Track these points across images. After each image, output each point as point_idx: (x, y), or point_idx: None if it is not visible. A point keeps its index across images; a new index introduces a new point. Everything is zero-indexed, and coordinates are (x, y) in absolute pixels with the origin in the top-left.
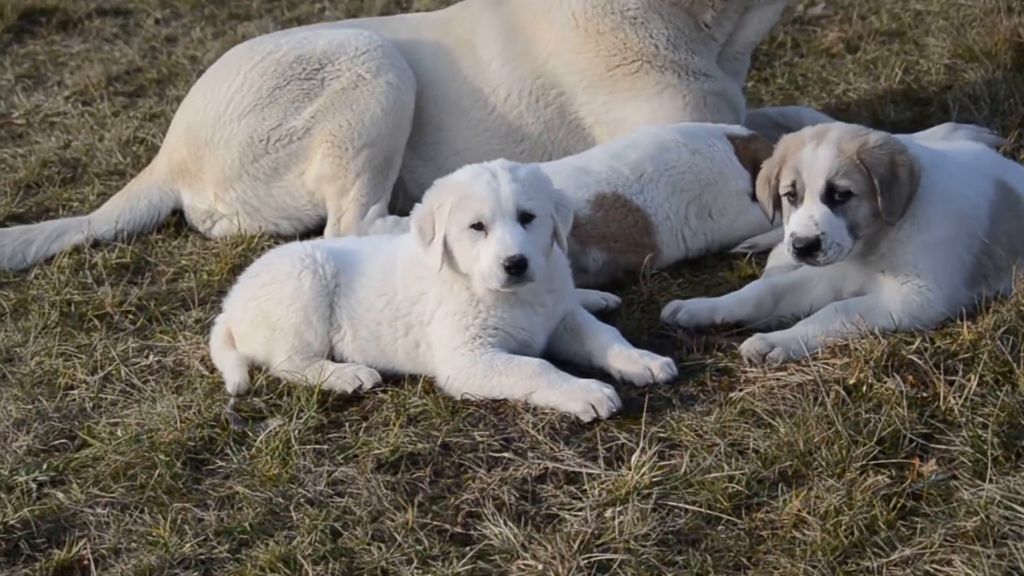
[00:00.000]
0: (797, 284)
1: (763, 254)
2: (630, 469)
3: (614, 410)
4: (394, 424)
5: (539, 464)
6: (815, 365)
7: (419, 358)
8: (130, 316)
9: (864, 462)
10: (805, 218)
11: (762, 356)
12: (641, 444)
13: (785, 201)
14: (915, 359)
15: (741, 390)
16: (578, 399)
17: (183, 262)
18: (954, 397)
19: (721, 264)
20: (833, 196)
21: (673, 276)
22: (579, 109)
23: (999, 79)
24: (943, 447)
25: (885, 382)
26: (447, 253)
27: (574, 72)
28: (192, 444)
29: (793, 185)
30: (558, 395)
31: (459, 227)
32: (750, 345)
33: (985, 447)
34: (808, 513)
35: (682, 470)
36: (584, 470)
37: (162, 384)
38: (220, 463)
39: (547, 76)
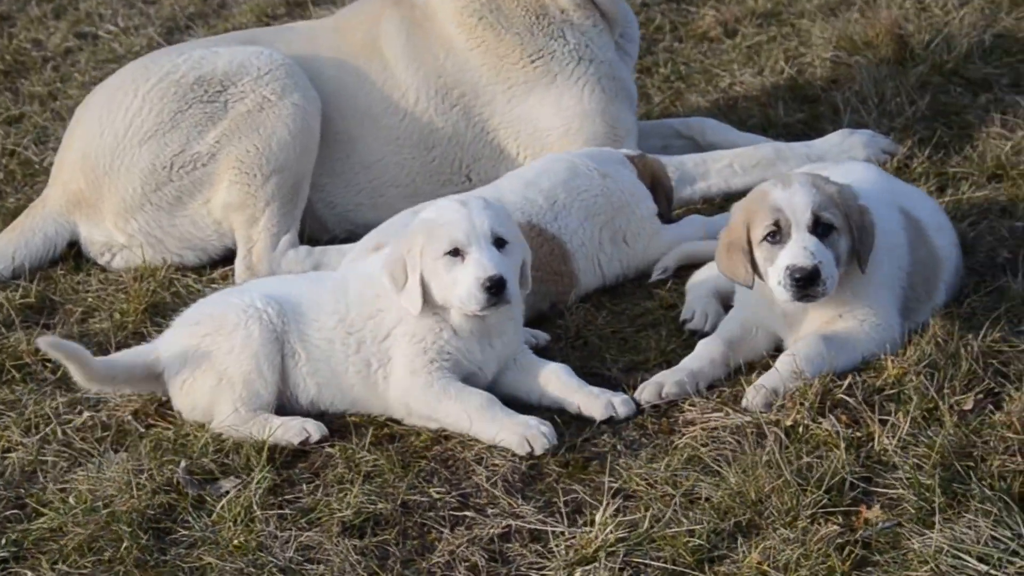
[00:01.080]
0: (744, 335)
1: (680, 279)
2: (591, 525)
3: (547, 447)
4: (350, 483)
5: (501, 522)
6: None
7: (369, 378)
8: (49, 365)
9: (814, 510)
10: (799, 249)
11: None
12: (604, 501)
13: (765, 246)
14: (846, 398)
15: (682, 434)
16: (515, 433)
17: (90, 300)
18: (888, 437)
19: (639, 291)
20: (818, 229)
21: (596, 308)
22: (482, 109)
23: (884, 75)
24: (884, 491)
25: (820, 423)
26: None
27: (470, 69)
28: (151, 512)
29: (776, 224)
30: (497, 429)
31: (434, 257)
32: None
33: (927, 493)
34: (768, 566)
35: (644, 526)
36: (548, 528)
37: (103, 444)
38: (183, 531)
39: (448, 75)
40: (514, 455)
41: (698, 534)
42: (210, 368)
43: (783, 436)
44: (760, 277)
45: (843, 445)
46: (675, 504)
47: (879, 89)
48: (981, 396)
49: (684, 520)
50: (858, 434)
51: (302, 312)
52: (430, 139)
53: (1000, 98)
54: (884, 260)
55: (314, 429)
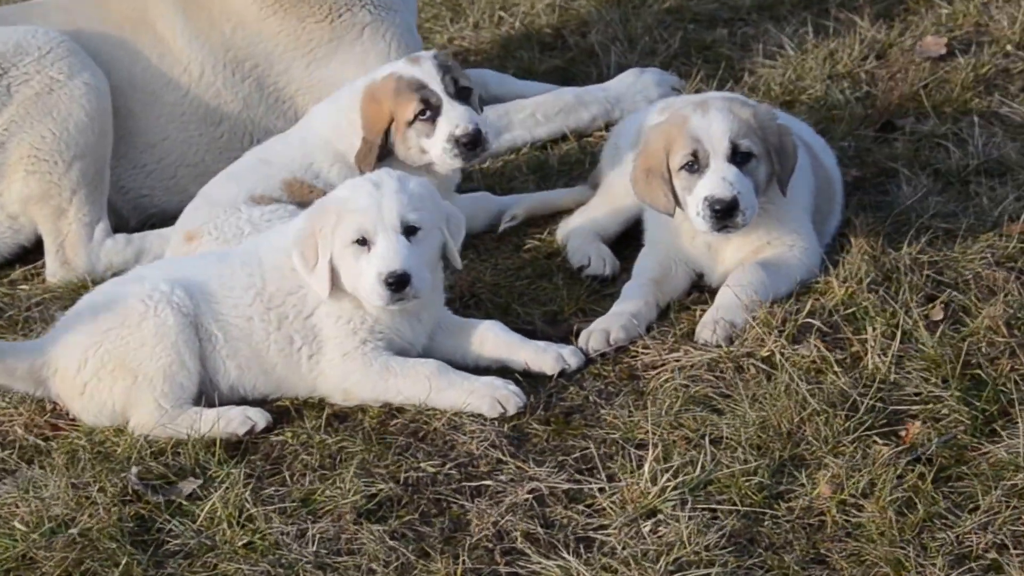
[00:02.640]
0: (665, 273)
1: (536, 227)
2: (630, 476)
3: (521, 406)
4: (330, 469)
5: (524, 486)
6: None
7: (293, 356)
8: None
9: (856, 435)
10: (718, 180)
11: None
12: (652, 446)
13: (683, 175)
14: (811, 321)
15: (651, 378)
16: (483, 396)
17: None
18: (878, 356)
19: (503, 246)
20: (736, 158)
21: (473, 265)
22: (277, 79)
23: (628, 15)
24: (907, 407)
25: (797, 350)
26: (333, 274)
27: (265, 40)
28: (128, 526)
29: (694, 154)
30: (461, 394)
31: (342, 244)
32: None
33: (974, 402)
34: (846, 494)
35: (696, 471)
36: (582, 486)
37: (6, 463)
38: (173, 541)
39: (238, 48)
40: (485, 419)
41: (758, 472)
42: (121, 366)
43: (766, 367)
44: (679, 206)
45: (837, 369)
46: (706, 446)
47: (627, 30)
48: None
49: (727, 461)
50: (840, 356)
51: (212, 291)
52: (217, 113)
53: (742, 30)
54: (798, 183)
55: (258, 416)
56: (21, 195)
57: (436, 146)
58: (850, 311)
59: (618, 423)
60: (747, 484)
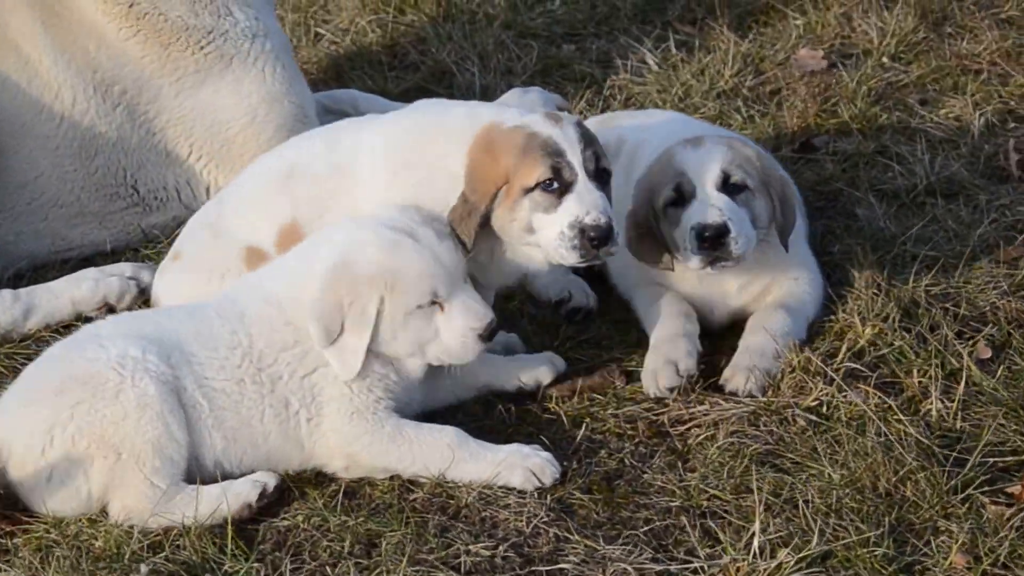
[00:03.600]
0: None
1: None
2: (736, 552)
3: (557, 476)
4: (364, 556)
5: (607, 568)
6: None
7: (289, 421)
8: None
9: (966, 493)
10: (704, 207)
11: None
12: (758, 513)
13: (669, 213)
14: (855, 366)
15: (686, 435)
16: (514, 467)
17: None
18: (941, 402)
19: None
20: (727, 188)
21: None
22: (147, 107)
23: (469, 31)
24: (999, 459)
25: (845, 396)
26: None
27: (129, 62)
28: None
29: (677, 188)
30: (488, 467)
31: (405, 312)
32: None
33: None
34: (987, 565)
35: (811, 546)
36: (671, 567)
37: None
38: None
39: (105, 69)
40: (517, 490)
41: (879, 541)
42: (99, 445)
43: (813, 418)
44: (674, 255)
45: (901, 417)
46: (809, 514)
47: (479, 50)
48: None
49: (834, 530)
50: (895, 403)
51: (191, 352)
52: (92, 146)
53: (593, 45)
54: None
55: (268, 477)
56: None
57: (552, 229)
58: (881, 352)
59: (672, 488)
60: (870, 556)
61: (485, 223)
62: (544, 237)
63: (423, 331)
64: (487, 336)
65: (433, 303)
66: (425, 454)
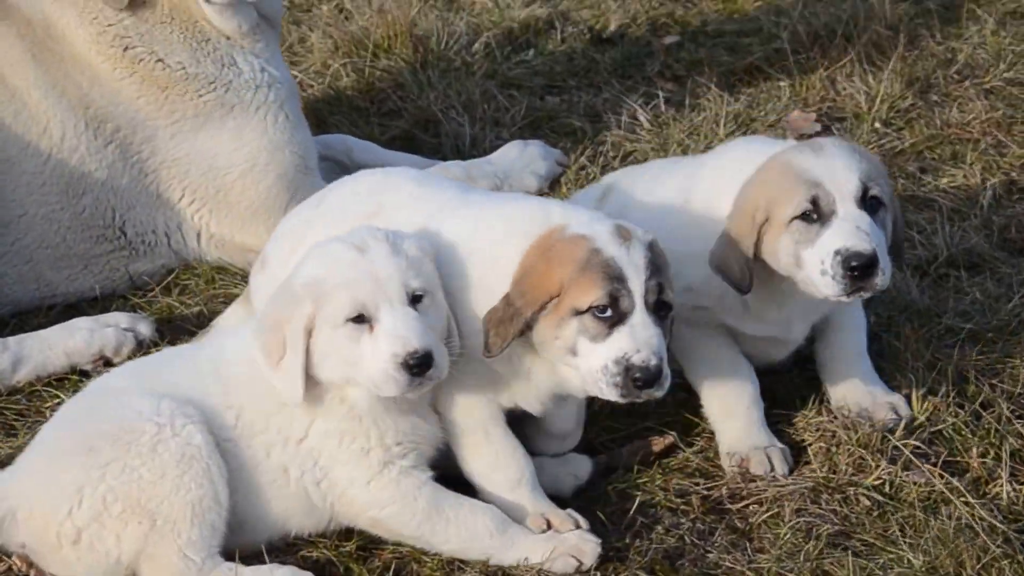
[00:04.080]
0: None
1: None
2: None
3: (598, 554)
4: None
5: None
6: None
7: (288, 488)
8: None
9: None
10: (851, 229)
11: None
12: None
13: (798, 227)
14: (910, 443)
15: (744, 512)
16: (555, 553)
17: None
18: (1011, 484)
19: None
20: (866, 203)
21: None
22: (141, 147)
23: (452, 79)
24: None
25: (908, 475)
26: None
27: (123, 101)
28: None
29: (814, 200)
30: (527, 553)
31: (332, 326)
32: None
33: None
34: None
35: None
36: None
37: None
38: None
39: (98, 106)
40: None
41: None
42: (133, 507)
43: (877, 497)
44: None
45: (969, 500)
46: None
47: (466, 99)
48: None
49: None
50: (961, 484)
51: (207, 406)
52: (80, 184)
53: (579, 98)
54: None
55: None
56: None
57: (596, 359)
58: (937, 428)
59: (741, 570)
60: None
61: (523, 332)
62: (585, 365)
63: (350, 351)
64: (414, 367)
65: (362, 321)
66: (463, 537)
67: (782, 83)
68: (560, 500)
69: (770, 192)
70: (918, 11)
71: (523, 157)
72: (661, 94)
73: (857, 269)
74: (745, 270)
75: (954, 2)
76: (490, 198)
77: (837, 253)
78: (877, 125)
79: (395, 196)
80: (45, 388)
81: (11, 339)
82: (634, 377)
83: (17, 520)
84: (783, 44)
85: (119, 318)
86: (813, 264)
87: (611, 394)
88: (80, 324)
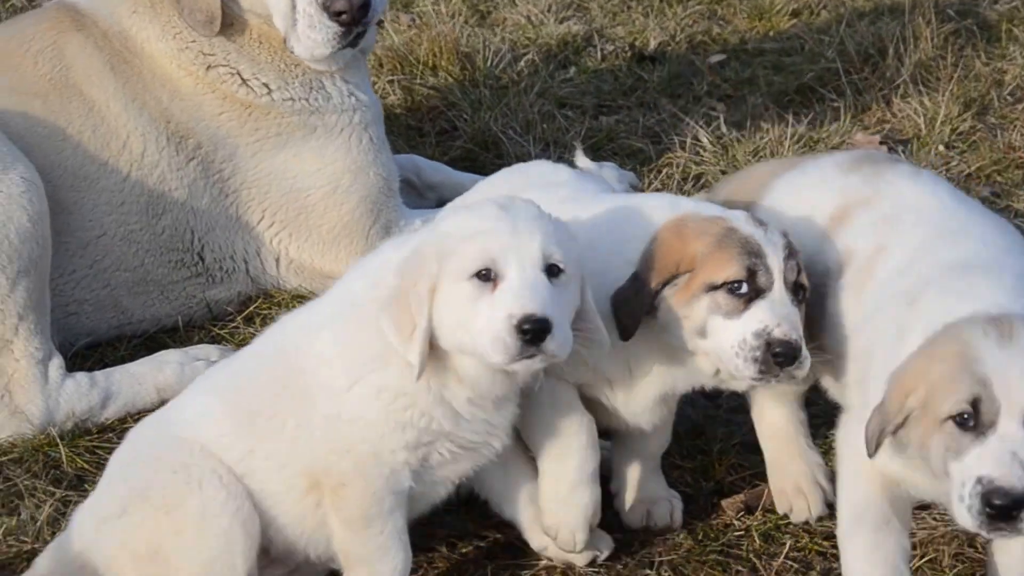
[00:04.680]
0: None
1: None
2: None
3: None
4: None
5: None
6: None
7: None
8: None
9: None
10: (1005, 456)
11: None
12: None
13: (951, 430)
14: None
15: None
16: None
17: None
18: None
19: None
20: None
21: None
22: (222, 166)
23: (509, 99)
24: None
25: None
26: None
27: (206, 118)
28: None
29: (975, 404)
30: None
31: (454, 279)
32: None
33: None
34: None
35: None
36: None
37: None
38: None
39: (178, 121)
40: None
41: None
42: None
43: None
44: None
45: None
46: None
47: (520, 118)
48: None
49: None
50: None
51: None
52: (160, 203)
53: (631, 120)
54: None
55: None
56: None
57: (732, 334)
58: None
59: None
60: None
61: (649, 310)
62: (719, 343)
63: (465, 309)
64: (529, 333)
65: (487, 279)
66: None
67: (836, 104)
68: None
69: (931, 376)
70: (957, 30)
71: (597, 177)
72: (721, 115)
73: (1000, 510)
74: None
75: (988, 22)
76: (620, 195)
77: (979, 484)
78: (941, 148)
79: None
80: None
81: (99, 374)
82: (775, 352)
83: None
84: (831, 63)
85: (208, 351)
86: (955, 485)
87: (748, 370)
88: (169, 358)
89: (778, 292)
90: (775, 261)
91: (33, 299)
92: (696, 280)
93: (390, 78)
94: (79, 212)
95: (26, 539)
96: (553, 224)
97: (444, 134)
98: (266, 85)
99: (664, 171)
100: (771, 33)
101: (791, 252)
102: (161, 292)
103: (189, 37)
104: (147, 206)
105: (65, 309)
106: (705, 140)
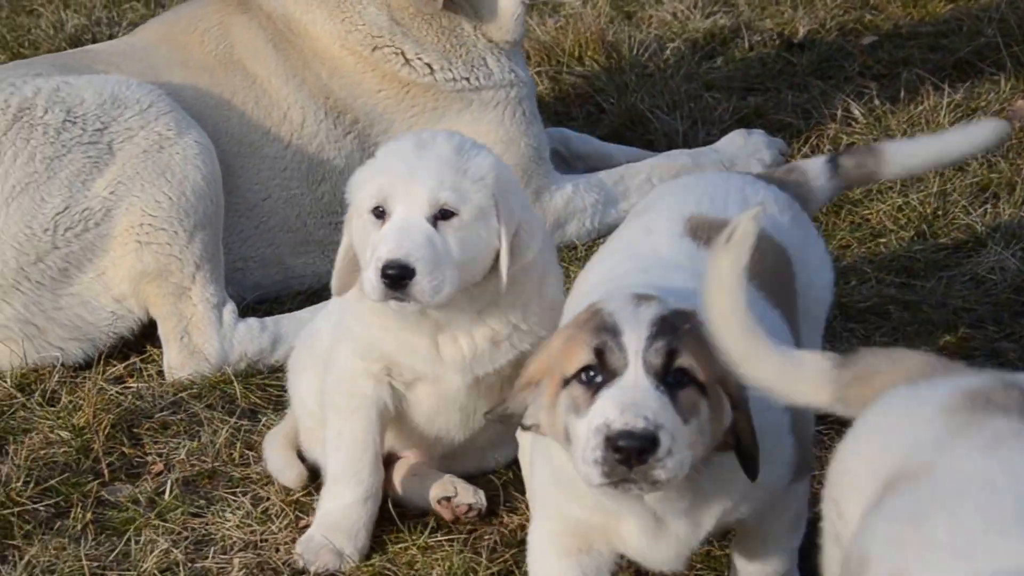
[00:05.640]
0: None
1: None
2: None
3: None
4: None
5: None
6: None
7: None
8: None
9: None
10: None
11: None
12: None
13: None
14: None
15: None
16: None
17: None
18: None
19: None
20: None
21: None
22: (378, 139)
23: (656, 80)
24: None
25: None
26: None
27: (364, 95)
28: None
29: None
30: None
31: (359, 212)
32: None
33: None
34: None
35: None
36: None
37: None
38: None
39: (336, 96)
40: None
41: None
42: None
43: None
44: None
45: None
46: None
47: (667, 99)
48: None
49: None
50: None
51: None
52: (319, 170)
53: (780, 99)
54: None
55: None
56: (133, 270)
57: (579, 439)
58: None
59: None
60: None
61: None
62: (573, 451)
63: (363, 242)
64: (389, 278)
65: (381, 215)
66: None
67: (996, 76)
68: None
69: None
70: None
71: (748, 145)
72: (873, 91)
73: None
74: None
75: None
76: None
77: None
78: None
79: None
80: None
81: (268, 320)
82: (616, 446)
83: None
84: (991, 39)
85: None
86: None
87: (595, 477)
88: (332, 306)
89: (632, 375)
90: (632, 339)
91: (208, 251)
92: (555, 377)
93: (537, 69)
94: (245, 176)
95: (206, 459)
96: (464, 165)
97: (591, 116)
98: (428, 65)
99: (812, 141)
100: (926, 19)
101: (662, 331)
102: (322, 252)
103: (360, 20)
104: (307, 173)
105: (233, 265)
106: (857, 112)
